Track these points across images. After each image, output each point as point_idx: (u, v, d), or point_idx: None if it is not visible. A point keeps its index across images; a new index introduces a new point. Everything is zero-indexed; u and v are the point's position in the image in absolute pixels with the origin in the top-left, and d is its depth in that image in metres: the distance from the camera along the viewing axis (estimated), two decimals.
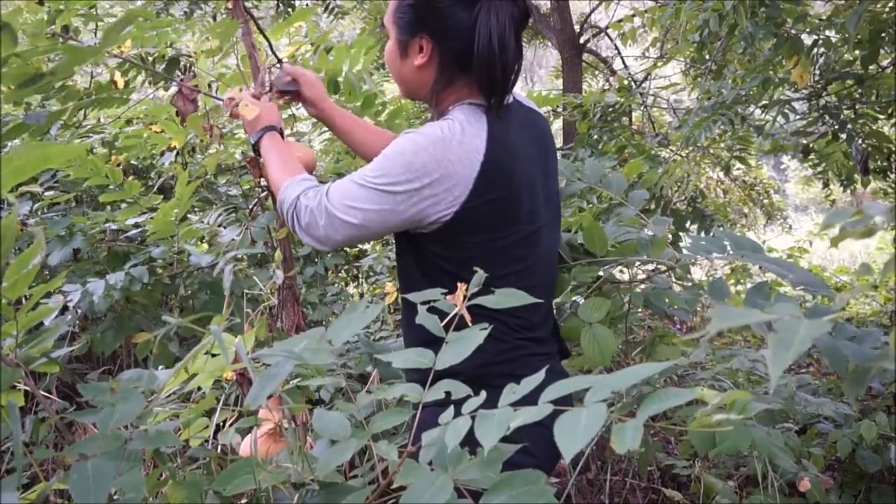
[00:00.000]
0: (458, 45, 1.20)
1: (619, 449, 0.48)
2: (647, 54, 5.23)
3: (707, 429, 0.50)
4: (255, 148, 1.45)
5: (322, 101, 1.58)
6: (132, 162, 2.60)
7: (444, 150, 1.14)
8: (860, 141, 2.76)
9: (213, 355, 1.06)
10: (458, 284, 0.91)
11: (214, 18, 3.83)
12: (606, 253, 1.47)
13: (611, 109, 3.40)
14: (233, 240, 1.78)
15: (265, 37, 1.80)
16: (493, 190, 1.17)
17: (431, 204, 1.15)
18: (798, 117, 3.00)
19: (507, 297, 0.85)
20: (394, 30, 1.26)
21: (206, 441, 1.23)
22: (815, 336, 0.52)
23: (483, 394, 0.70)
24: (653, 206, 2.87)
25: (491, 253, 1.20)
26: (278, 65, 1.71)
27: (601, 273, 1.47)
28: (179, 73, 2.05)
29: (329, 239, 1.22)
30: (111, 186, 2.06)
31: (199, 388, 1.07)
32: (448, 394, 0.76)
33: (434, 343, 0.88)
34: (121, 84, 1.75)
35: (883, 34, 2.43)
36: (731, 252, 1.22)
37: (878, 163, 2.92)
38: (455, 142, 1.15)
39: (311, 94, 1.57)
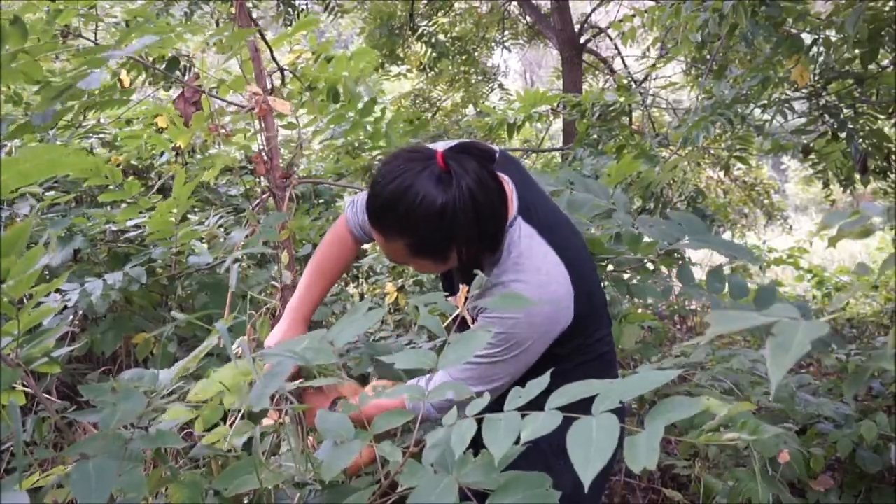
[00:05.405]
0: (468, 226, 1.17)
1: (633, 468, 0.47)
2: (647, 54, 5.22)
3: (715, 442, 0.50)
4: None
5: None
6: (132, 162, 2.60)
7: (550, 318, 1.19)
8: (860, 140, 2.76)
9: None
10: (461, 287, 0.91)
11: (217, 24, 3.82)
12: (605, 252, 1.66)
13: (610, 109, 3.39)
14: (239, 239, 1.77)
15: (266, 43, 1.80)
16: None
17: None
18: (798, 116, 2.99)
19: (509, 300, 0.84)
20: (424, 261, 1.23)
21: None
22: (814, 338, 0.52)
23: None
24: (652, 206, 2.87)
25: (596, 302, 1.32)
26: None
27: None
28: (180, 74, 2.05)
29: None
30: (111, 186, 2.05)
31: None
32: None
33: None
34: (127, 83, 1.74)
35: (882, 33, 2.43)
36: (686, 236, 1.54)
37: (878, 162, 2.92)
38: (552, 302, 1.17)
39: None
